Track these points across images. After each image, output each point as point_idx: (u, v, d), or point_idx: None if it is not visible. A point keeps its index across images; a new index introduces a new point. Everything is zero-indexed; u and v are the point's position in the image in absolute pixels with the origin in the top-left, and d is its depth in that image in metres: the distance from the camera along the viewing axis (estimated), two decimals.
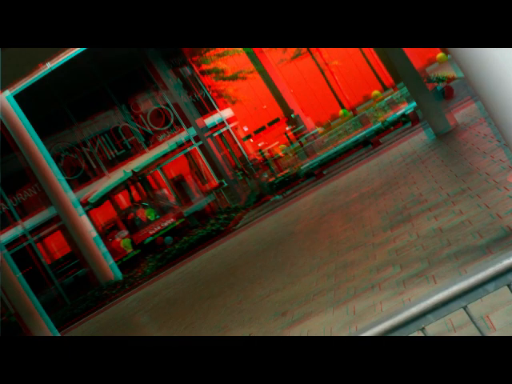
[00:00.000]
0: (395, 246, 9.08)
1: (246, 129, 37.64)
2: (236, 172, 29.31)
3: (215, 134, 29.60)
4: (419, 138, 17.64)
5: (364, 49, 40.68)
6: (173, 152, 28.20)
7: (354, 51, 41.92)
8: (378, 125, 23.03)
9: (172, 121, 28.35)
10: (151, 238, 25.81)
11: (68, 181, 25.80)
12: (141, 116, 28.31)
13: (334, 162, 22.85)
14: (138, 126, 28.25)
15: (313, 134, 32.67)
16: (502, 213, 7.78)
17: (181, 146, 28.30)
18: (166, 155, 28.23)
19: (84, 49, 24.80)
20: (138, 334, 13.66)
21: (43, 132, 25.43)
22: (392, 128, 22.43)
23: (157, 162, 28.29)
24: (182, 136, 28.28)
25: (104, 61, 27.44)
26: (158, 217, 26.51)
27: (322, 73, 41.15)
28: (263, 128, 38.46)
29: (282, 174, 24.56)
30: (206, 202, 26.79)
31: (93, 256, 24.20)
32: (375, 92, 38.34)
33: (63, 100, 27.93)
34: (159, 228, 25.90)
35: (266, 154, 30.64)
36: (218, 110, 30.89)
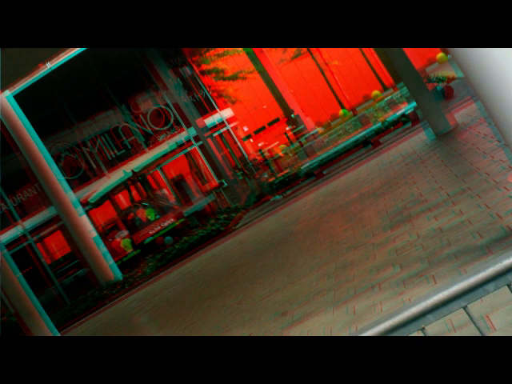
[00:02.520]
0: (395, 246, 9.08)
1: (245, 129, 37.65)
2: (236, 172, 29.31)
3: (215, 134, 29.60)
4: (419, 138, 17.64)
5: (364, 49, 40.69)
6: (173, 152, 28.20)
7: (354, 51, 41.93)
8: (378, 125, 23.03)
9: (172, 121, 28.36)
10: (151, 238, 25.81)
11: (68, 181, 25.79)
12: (141, 116, 28.31)
13: (334, 161, 22.85)
14: (138, 125, 28.25)
15: (313, 134, 32.68)
16: (502, 213, 7.78)
17: (181, 145, 28.30)
18: (166, 155, 28.23)
19: (84, 49, 24.80)
20: (138, 334, 13.66)
21: (43, 132, 25.43)
22: (392, 128, 22.43)
23: (157, 162, 28.29)
24: (182, 136, 28.28)
25: (104, 61, 27.44)
26: (158, 217, 26.51)
27: (322, 73, 41.16)
28: (263, 128, 38.47)
29: (282, 174, 24.56)
30: (206, 202, 26.78)
31: (93, 256, 24.20)
32: (375, 92, 38.35)
33: (63, 100, 27.93)
34: (159, 228, 25.90)
35: (266, 153, 30.64)
36: (218, 109, 30.89)
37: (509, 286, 3.06)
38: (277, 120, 38.42)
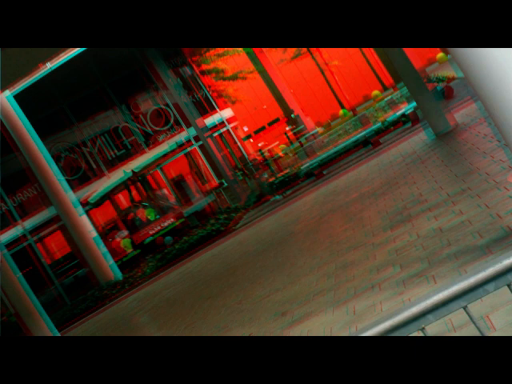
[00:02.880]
0: (395, 246, 9.08)
1: (245, 129, 37.65)
2: (236, 172, 29.31)
3: (215, 134, 29.60)
4: (419, 138, 17.64)
5: (364, 49, 40.69)
6: (173, 152, 28.20)
7: (354, 51, 41.93)
8: (378, 125, 23.03)
9: (172, 121, 28.36)
10: (151, 238, 25.81)
11: (68, 181, 25.79)
12: (141, 116, 28.31)
13: (334, 161, 22.85)
14: (138, 125, 28.25)
15: (313, 134, 32.69)
16: (502, 213, 7.78)
17: (181, 145, 28.30)
18: (166, 155, 28.23)
19: (84, 49, 24.80)
20: (138, 334, 13.66)
21: (43, 132, 25.43)
22: (392, 128, 22.43)
23: (157, 162, 28.29)
24: (182, 136, 28.28)
25: (104, 61, 27.45)
26: (157, 217, 26.51)
27: (322, 73, 41.16)
28: (263, 128, 38.47)
29: (282, 174, 24.56)
30: (206, 202, 26.78)
31: (93, 256, 24.20)
32: (375, 92, 38.35)
33: (63, 100, 27.93)
34: (159, 228, 25.90)
35: (266, 153, 30.64)
36: (218, 109, 30.89)
37: (509, 286, 3.06)
38: (277, 120, 38.42)
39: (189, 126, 28.28)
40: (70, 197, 24.74)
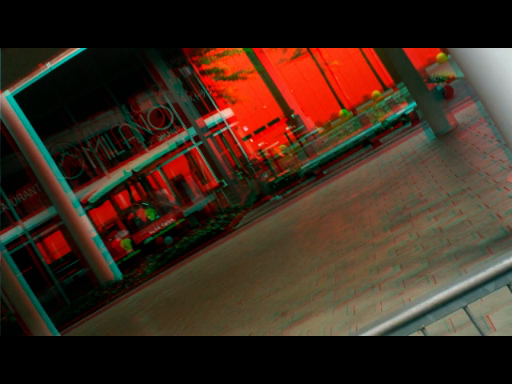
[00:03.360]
0: (395, 246, 9.08)
1: (245, 129, 37.65)
2: (236, 172, 29.31)
3: (215, 134, 29.60)
4: (419, 138, 17.64)
5: (364, 49, 40.68)
6: (173, 152, 28.20)
7: (354, 51, 41.93)
8: (378, 125, 23.03)
9: (172, 121, 28.35)
10: (151, 238, 25.81)
11: (68, 181, 25.79)
12: (141, 116, 28.31)
13: (334, 161, 22.85)
14: (138, 125, 28.25)
15: (313, 134, 32.69)
16: (502, 213, 7.78)
17: (181, 146, 28.30)
18: (166, 155, 28.23)
19: (84, 49, 24.80)
20: (138, 334, 13.66)
21: (43, 132, 25.43)
22: (392, 128, 22.43)
23: (157, 162, 28.29)
24: (182, 136, 28.28)
25: (104, 61, 27.45)
26: (158, 217, 26.51)
27: (322, 73, 41.16)
28: (263, 128, 38.47)
29: (282, 174, 24.56)
30: (206, 202, 26.78)
31: (93, 256, 24.20)
32: (375, 92, 38.34)
33: (63, 100, 27.93)
34: (159, 228, 25.90)
35: (266, 153, 30.64)
36: (218, 109, 30.89)
37: (509, 286, 3.06)
38: (277, 120, 38.42)
39: (189, 126, 28.28)
40: (70, 197, 24.74)
